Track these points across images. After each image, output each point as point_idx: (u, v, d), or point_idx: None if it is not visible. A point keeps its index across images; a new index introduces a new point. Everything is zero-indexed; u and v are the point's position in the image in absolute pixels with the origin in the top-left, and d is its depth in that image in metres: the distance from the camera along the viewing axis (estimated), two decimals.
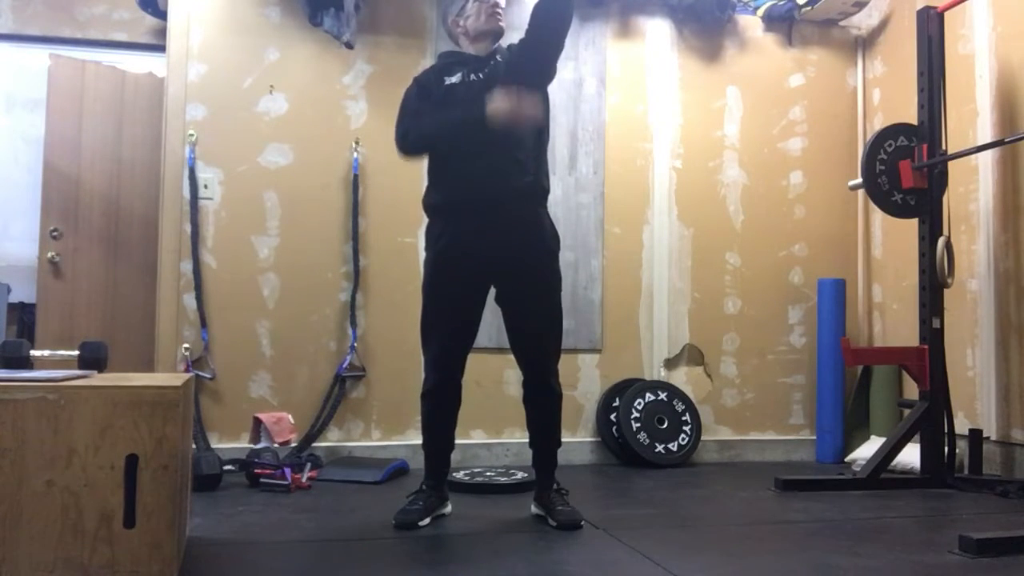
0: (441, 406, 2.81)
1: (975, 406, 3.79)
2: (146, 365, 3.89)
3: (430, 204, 2.84)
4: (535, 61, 2.75)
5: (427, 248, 2.83)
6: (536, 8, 2.72)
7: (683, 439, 4.09)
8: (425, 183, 2.89)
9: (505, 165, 2.71)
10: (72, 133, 4.24)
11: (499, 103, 2.59)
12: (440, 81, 2.81)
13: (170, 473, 1.89)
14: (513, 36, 2.93)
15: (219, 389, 3.82)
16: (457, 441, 2.93)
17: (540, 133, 2.81)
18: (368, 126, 4.03)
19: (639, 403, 4.06)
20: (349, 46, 3.91)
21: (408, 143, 2.80)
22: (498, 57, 2.83)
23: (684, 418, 4.12)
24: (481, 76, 2.78)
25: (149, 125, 4.28)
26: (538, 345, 2.80)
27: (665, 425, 4.07)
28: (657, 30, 4.40)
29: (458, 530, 2.70)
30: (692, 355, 4.35)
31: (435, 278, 2.78)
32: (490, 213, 2.71)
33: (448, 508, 2.88)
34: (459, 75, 2.80)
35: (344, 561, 2.33)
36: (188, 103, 3.87)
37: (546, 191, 2.84)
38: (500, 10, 2.81)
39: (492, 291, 2.84)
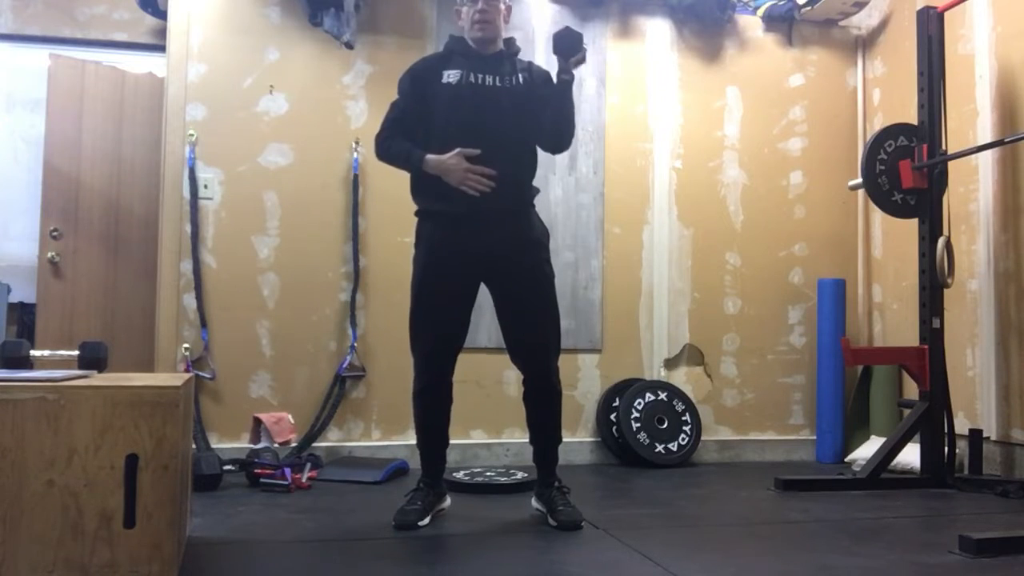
0: (433, 406, 2.81)
1: (975, 406, 3.79)
2: (146, 365, 3.89)
3: (422, 209, 2.81)
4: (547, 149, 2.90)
5: (416, 246, 2.81)
6: (547, 125, 2.79)
7: (683, 439, 4.09)
8: None
9: (500, 181, 2.69)
10: (72, 133, 4.24)
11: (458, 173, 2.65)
12: (436, 76, 2.76)
13: (170, 473, 1.89)
14: (514, 34, 2.93)
15: (219, 389, 3.82)
16: (457, 441, 2.93)
17: (527, 141, 2.81)
18: (368, 126, 4.02)
19: (639, 403, 4.06)
20: (349, 46, 3.91)
21: (384, 149, 2.83)
22: (518, 69, 2.80)
23: (684, 418, 4.12)
24: (492, 81, 2.74)
25: (149, 125, 4.28)
26: (537, 341, 2.78)
27: (665, 425, 4.07)
28: (657, 30, 4.40)
29: (458, 530, 2.70)
30: (692, 355, 4.35)
31: (425, 277, 2.76)
32: (482, 218, 2.71)
33: (447, 502, 2.88)
34: (458, 72, 2.74)
35: (344, 561, 2.33)
36: (188, 103, 3.87)
37: (535, 193, 2.86)
38: (488, 18, 2.76)
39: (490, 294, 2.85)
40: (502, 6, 2.81)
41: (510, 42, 2.87)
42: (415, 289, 2.78)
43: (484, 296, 2.84)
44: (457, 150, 2.64)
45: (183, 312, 3.81)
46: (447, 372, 2.80)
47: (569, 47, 2.70)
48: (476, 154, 2.64)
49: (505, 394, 4.03)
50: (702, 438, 4.17)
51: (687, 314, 4.34)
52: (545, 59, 4.18)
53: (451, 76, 2.75)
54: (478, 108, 2.71)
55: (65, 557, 1.83)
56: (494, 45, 2.81)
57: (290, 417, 3.70)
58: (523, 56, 2.92)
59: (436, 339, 2.76)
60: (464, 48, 2.82)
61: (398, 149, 2.77)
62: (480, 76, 2.74)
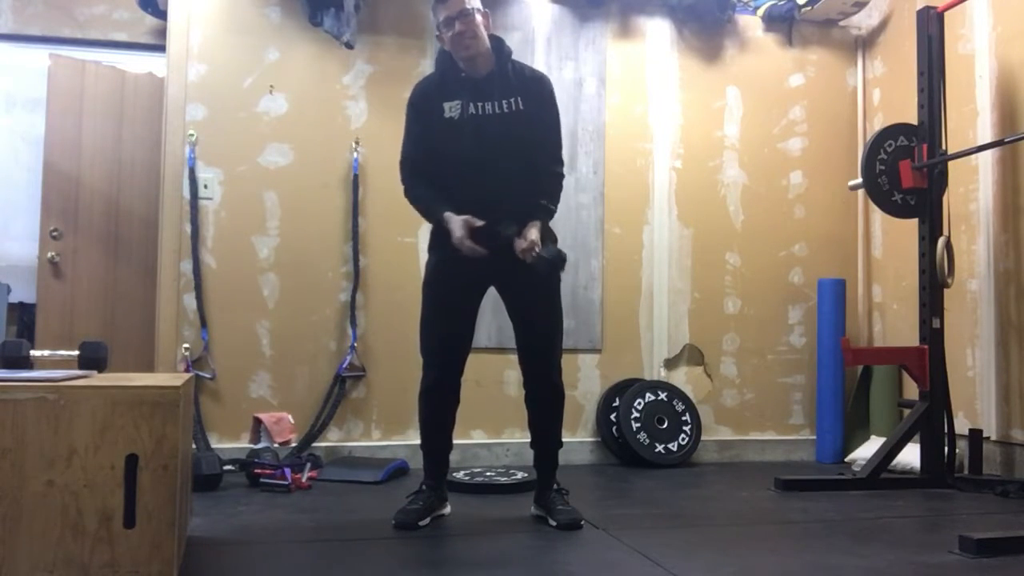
0: (439, 406, 2.81)
1: (975, 406, 3.79)
2: (146, 365, 3.89)
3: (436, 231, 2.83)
4: None
5: (430, 250, 2.84)
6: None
7: (683, 439, 4.08)
8: None
9: (506, 209, 2.71)
10: (72, 133, 4.24)
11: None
12: (439, 109, 2.73)
13: (170, 473, 1.89)
14: (512, 37, 2.92)
15: (219, 389, 3.82)
16: (457, 441, 2.93)
17: (530, 166, 2.76)
18: (368, 126, 4.03)
19: (639, 403, 4.06)
20: (349, 46, 3.91)
21: (409, 197, 2.83)
22: (513, 87, 2.73)
23: (684, 418, 4.12)
24: (492, 109, 2.71)
25: (149, 125, 4.28)
26: (545, 340, 2.80)
27: (665, 425, 4.07)
28: (657, 30, 4.40)
29: (458, 530, 2.70)
30: (692, 355, 4.35)
31: (435, 277, 2.80)
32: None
33: (447, 509, 2.88)
34: (459, 105, 2.71)
35: (344, 561, 2.33)
36: (188, 103, 3.87)
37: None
38: (468, 35, 2.69)
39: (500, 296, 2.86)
40: (479, 18, 2.72)
41: (500, 48, 2.78)
42: (427, 290, 2.82)
43: (484, 297, 2.85)
44: (464, 218, 2.63)
45: (183, 312, 3.81)
46: (454, 371, 2.80)
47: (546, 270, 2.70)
48: (480, 224, 2.63)
49: (505, 394, 4.03)
50: (702, 438, 4.17)
51: (687, 314, 4.34)
52: (544, 59, 4.19)
53: (452, 110, 2.72)
54: (480, 142, 2.70)
55: (65, 557, 1.82)
56: (485, 59, 2.75)
57: (290, 417, 3.70)
58: (524, 56, 2.90)
59: (443, 336, 2.78)
60: (456, 72, 2.76)
61: (421, 197, 2.79)
62: (479, 106, 2.71)
